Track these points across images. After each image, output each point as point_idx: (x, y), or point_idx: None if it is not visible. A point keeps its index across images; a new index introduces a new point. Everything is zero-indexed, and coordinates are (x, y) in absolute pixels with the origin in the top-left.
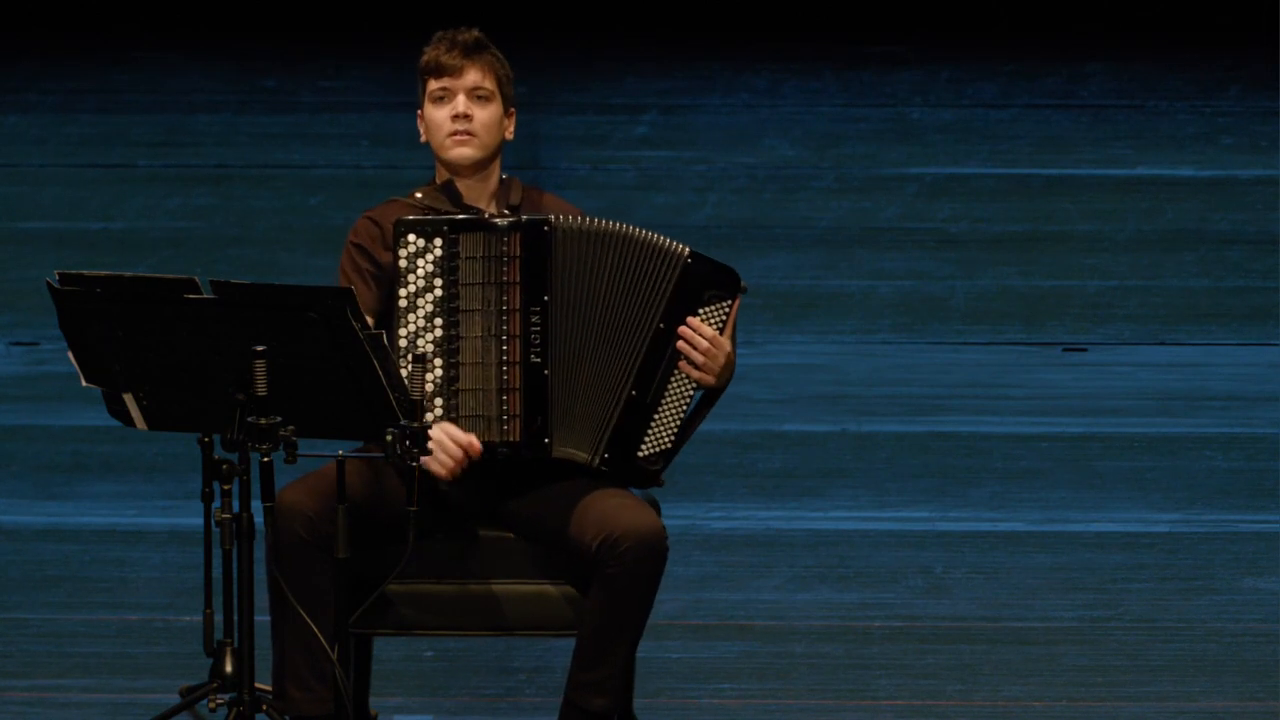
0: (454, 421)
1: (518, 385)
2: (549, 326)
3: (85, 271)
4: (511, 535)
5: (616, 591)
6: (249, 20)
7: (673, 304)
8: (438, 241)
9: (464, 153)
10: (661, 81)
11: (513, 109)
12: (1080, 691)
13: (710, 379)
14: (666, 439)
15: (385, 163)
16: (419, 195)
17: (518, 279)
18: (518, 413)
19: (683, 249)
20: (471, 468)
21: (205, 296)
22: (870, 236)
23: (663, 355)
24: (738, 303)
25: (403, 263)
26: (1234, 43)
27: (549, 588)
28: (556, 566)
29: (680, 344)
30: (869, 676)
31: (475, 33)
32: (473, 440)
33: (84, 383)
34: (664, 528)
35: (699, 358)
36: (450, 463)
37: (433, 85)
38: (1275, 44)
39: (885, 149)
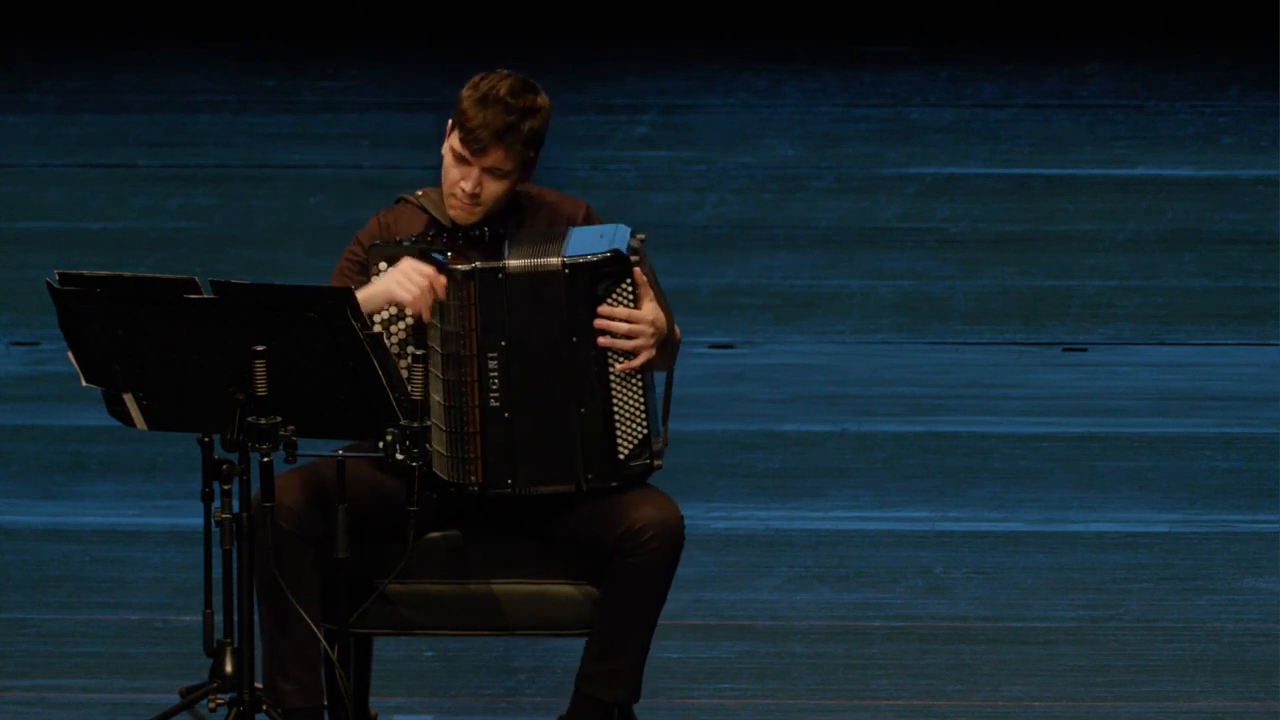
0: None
1: (477, 429)
2: (505, 370)
3: (85, 271)
4: (511, 535)
5: (635, 580)
6: (249, 20)
7: (573, 316)
8: None
9: (462, 216)
10: (661, 81)
11: (535, 158)
12: (1080, 691)
13: (649, 353)
14: (639, 428)
15: (385, 163)
16: (420, 194)
17: (474, 326)
18: (479, 455)
19: (556, 262)
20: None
21: (205, 296)
22: (870, 236)
23: (589, 362)
24: (638, 270)
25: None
26: (1234, 43)
27: (549, 587)
28: (559, 565)
29: (601, 340)
30: (869, 676)
31: (512, 113)
32: (436, 274)
33: (84, 383)
34: (681, 515)
35: (625, 344)
36: (414, 288)
37: (456, 143)
38: (1275, 44)
39: (885, 149)
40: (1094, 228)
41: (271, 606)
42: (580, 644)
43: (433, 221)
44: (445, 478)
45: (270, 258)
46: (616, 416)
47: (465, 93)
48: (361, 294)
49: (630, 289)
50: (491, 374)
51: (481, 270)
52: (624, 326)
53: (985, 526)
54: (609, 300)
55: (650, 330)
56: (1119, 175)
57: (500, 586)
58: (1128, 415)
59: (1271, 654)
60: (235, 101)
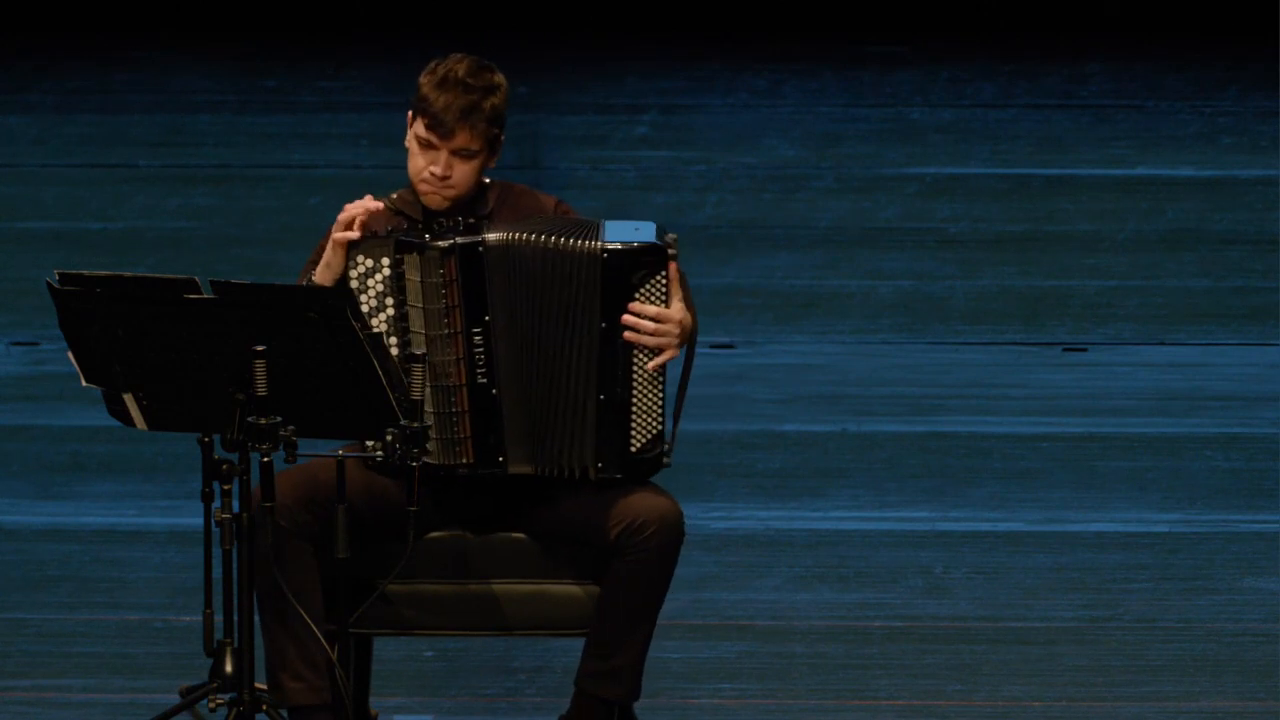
0: None
1: (466, 408)
2: (493, 346)
3: (85, 271)
4: (512, 535)
5: (636, 577)
6: (249, 20)
7: (606, 300)
8: (385, 261)
9: (435, 201)
10: (661, 81)
11: (501, 139)
12: (1080, 691)
13: (673, 352)
14: (654, 423)
15: (385, 163)
16: (394, 197)
17: (458, 302)
18: (469, 434)
19: (596, 245)
20: (467, 484)
21: (205, 296)
22: (870, 236)
23: (615, 352)
24: (673, 266)
25: (354, 283)
26: (1234, 43)
27: (549, 587)
28: (559, 565)
29: (627, 335)
30: (869, 676)
31: (473, 92)
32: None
33: (84, 383)
34: (681, 511)
35: (650, 340)
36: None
37: (421, 129)
38: (1275, 44)
39: (885, 149)
40: (1094, 228)
41: (274, 605)
42: (580, 644)
43: (407, 217)
44: (435, 463)
45: (270, 258)
46: (634, 409)
47: (423, 79)
48: (322, 276)
49: (663, 283)
50: (477, 350)
51: (461, 245)
52: (650, 325)
53: (985, 526)
54: (642, 291)
55: (677, 330)
56: (1119, 175)
57: (500, 586)
58: (1128, 415)
59: (1271, 654)
60: (235, 101)
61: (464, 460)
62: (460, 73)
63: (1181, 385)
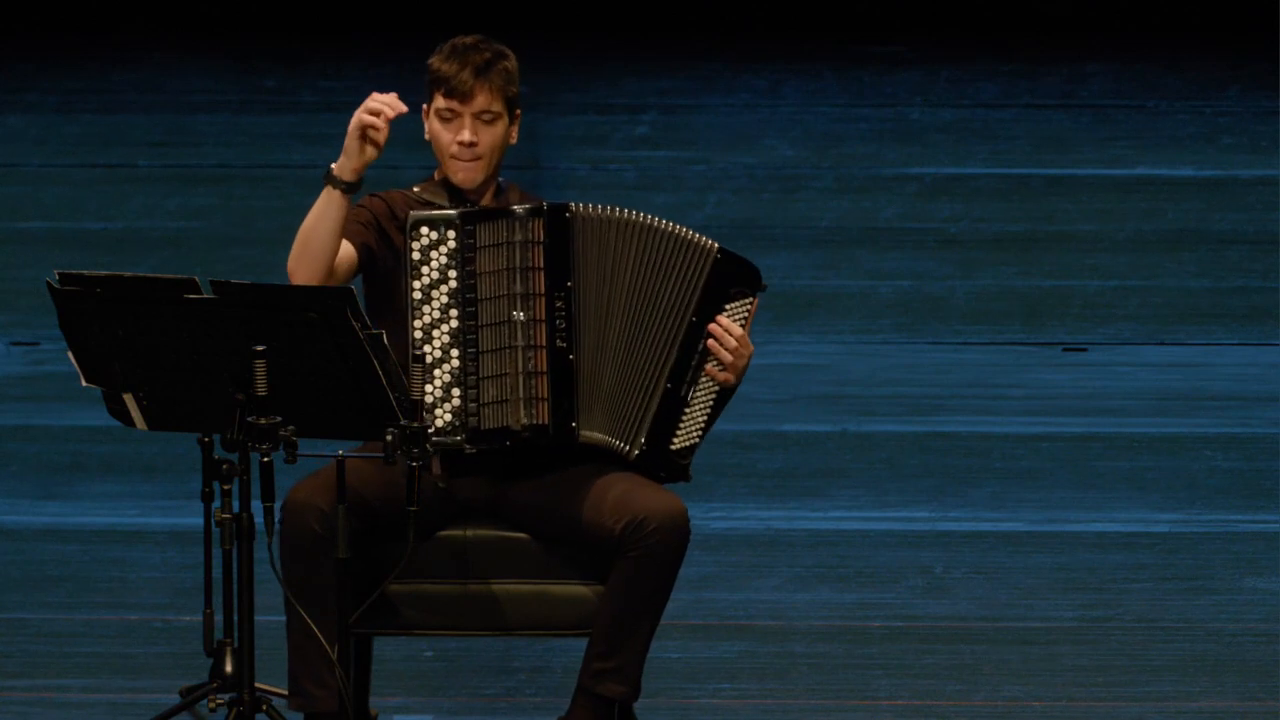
0: (475, 410)
1: (544, 369)
2: (574, 312)
3: (85, 271)
4: (513, 534)
5: (641, 574)
6: (249, 20)
7: (704, 299)
8: (451, 234)
9: (469, 177)
10: (661, 81)
11: (518, 112)
12: (1080, 691)
13: (733, 378)
14: (696, 433)
15: (385, 162)
16: (416, 190)
17: (542, 264)
18: (545, 396)
19: (712, 244)
20: (470, 459)
21: (205, 296)
22: (870, 236)
23: (694, 350)
24: (757, 301)
25: (416, 255)
26: (1234, 43)
27: (549, 587)
28: (559, 565)
29: (710, 342)
30: (869, 676)
31: (486, 53)
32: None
33: (84, 383)
34: (686, 508)
35: (727, 356)
36: (362, 113)
37: (440, 102)
38: (1275, 44)
39: (885, 149)
40: (1094, 228)
41: (302, 609)
42: (580, 644)
43: (436, 206)
44: (496, 426)
45: (270, 258)
46: (687, 412)
47: (432, 60)
48: (341, 165)
49: (748, 308)
50: (559, 314)
51: (550, 207)
52: (733, 344)
53: (985, 526)
54: (730, 306)
55: (746, 358)
56: (1119, 175)
57: (500, 586)
58: (1128, 415)
59: (1271, 654)
60: (235, 101)
61: (538, 421)
62: (469, 41)
63: (1181, 385)
